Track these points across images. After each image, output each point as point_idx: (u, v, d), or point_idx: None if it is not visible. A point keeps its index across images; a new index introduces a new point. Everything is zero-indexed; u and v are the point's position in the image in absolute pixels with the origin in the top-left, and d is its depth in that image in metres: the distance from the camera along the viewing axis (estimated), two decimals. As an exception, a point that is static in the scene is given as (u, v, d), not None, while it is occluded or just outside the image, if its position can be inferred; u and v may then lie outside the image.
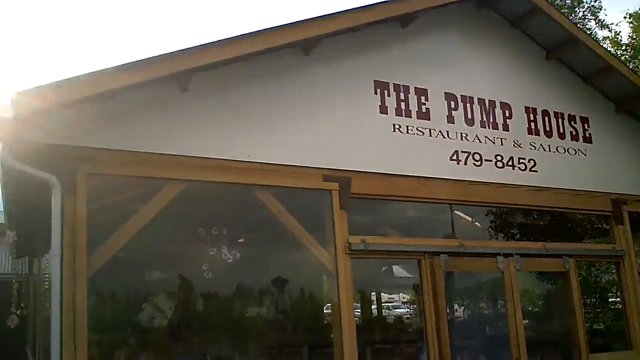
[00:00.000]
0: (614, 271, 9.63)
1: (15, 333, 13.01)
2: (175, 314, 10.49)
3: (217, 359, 8.33)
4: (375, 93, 7.02)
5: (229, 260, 6.79)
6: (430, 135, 7.31)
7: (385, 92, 7.09)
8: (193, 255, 7.08)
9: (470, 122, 7.67)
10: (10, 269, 14.28)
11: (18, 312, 12.51)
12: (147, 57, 5.12)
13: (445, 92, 7.57)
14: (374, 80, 7.04)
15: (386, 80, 7.12)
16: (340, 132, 6.67)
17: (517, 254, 7.57)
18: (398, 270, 15.44)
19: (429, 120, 7.34)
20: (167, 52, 5.23)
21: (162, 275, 11.86)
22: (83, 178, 5.18)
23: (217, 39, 5.47)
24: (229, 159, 5.91)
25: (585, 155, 8.60)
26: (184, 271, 9.31)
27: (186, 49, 5.32)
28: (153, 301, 12.15)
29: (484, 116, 7.83)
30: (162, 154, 5.58)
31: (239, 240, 7.22)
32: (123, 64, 5.01)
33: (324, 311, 14.04)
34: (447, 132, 7.45)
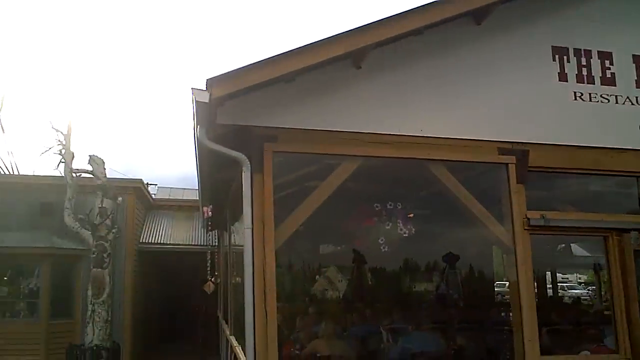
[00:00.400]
0: None
1: (211, 298, 14.48)
2: (348, 286, 10.89)
3: (390, 331, 8.47)
4: (554, 60, 6.62)
5: (405, 235, 6.90)
6: (617, 103, 6.75)
7: (565, 57, 6.65)
8: (369, 229, 7.27)
9: (664, 86, 6.97)
10: (205, 241, 15.82)
11: (212, 280, 13.78)
12: (325, 37, 5.29)
13: (633, 55, 6.91)
14: (552, 46, 6.63)
15: (565, 46, 6.67)
16: (516, 103, 6.40)
17: None
18: (576, 248, 14.53)
19: (615, 86, 6.77)
20: (343, 31, 5.35)
21: (334, 249, 12.34)
22: (269, 156, 5.53)
23: (392, 14, 5.49)
24: (403, 134, 5.94)
25: None
26: (360, 245, 9.57)
27: (363, 25, 5.40)
28: (325, 274, 12.78)
29: (681, 79, 7.05)
30: (339, 131, 5.77)
31: (409, 215, 7.26)
32: (303, 46, 5.23)
33: (495, 288, 13.75)
34: (636, 98, 6.82)
